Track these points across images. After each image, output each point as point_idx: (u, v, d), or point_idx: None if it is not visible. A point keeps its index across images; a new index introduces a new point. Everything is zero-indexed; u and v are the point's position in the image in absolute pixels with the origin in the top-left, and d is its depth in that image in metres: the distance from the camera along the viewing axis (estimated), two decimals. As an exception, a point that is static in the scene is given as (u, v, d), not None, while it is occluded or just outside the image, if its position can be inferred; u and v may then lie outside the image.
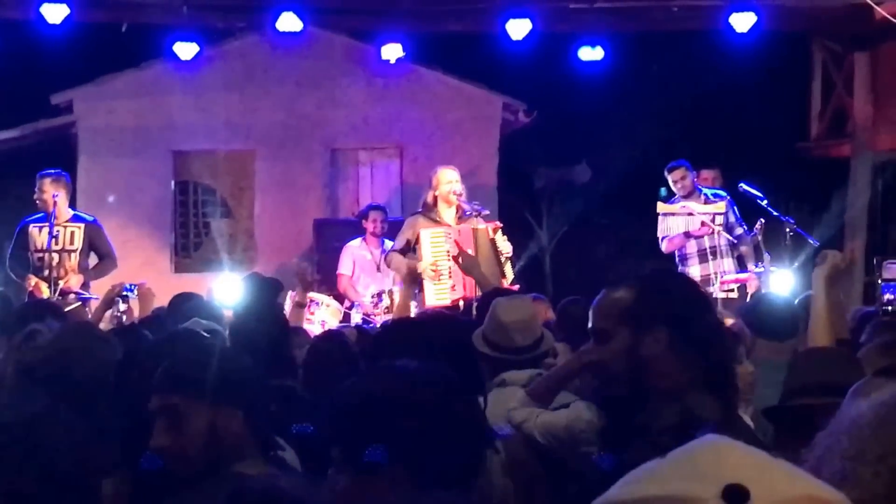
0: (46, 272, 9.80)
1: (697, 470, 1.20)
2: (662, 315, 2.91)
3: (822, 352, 4.14)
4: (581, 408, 3.74)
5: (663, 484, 1.19)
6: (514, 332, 4.65)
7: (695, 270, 10.53)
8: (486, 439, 2.60)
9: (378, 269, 11.15)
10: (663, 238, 10.73)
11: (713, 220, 10.57)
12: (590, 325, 3.03)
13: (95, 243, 10.11)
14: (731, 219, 10.67)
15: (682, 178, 10.67)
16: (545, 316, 7.07)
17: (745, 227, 10.58)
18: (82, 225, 10.05)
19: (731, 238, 10.59)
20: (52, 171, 10.13)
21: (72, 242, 9.97)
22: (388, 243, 11.03)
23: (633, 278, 3.04)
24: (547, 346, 4.76)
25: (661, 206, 10.73)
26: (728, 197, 10.76)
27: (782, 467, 1.23)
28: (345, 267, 11.41)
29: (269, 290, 5.91)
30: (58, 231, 9.90)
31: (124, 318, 7.87)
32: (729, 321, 6.75)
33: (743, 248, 10.63)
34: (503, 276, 9.05)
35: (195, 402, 2.88)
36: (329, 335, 6.17)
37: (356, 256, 11.41)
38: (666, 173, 10.82)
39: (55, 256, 9.85)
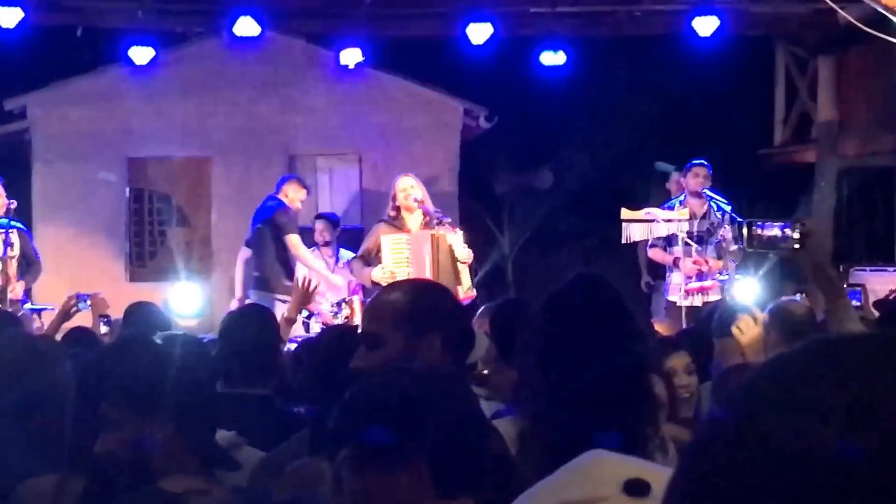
0: None
1: (590, 477, 1.27)
2: (436, 320, 2.89)
3: (743, 370, 3.95)
4: None
5: (558, 494, 1.25)
6: None
7: (677, 277, 10.38)
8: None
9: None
10: (651, 246, 10.53)
11: (686, 229, 10.38)
12: (361, 329, 2.96)
13: (25, 250, 10.02)
14: (729, 235, 10.42)
15: (705, 176, 10.49)
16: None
17: (741, 245, 10.38)
18: (14, 230, 9.93)
19: (721, 242, 10.41)
20: None
21: (12, 249, 9.82)
22: (344, 252, 11.12)
23: (406, 283, 3.12)
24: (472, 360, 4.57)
25: (624, 213, 10.60)
26: (729, 212, 10.50)
27: (655, 468, 1.34)
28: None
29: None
30: None
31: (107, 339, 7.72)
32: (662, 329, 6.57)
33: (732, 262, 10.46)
34: (459, 283, 9.02)
35: (125, 411, 2.81)
36: None
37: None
38: (688, 166, 10.62)
39: None
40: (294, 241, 10.53)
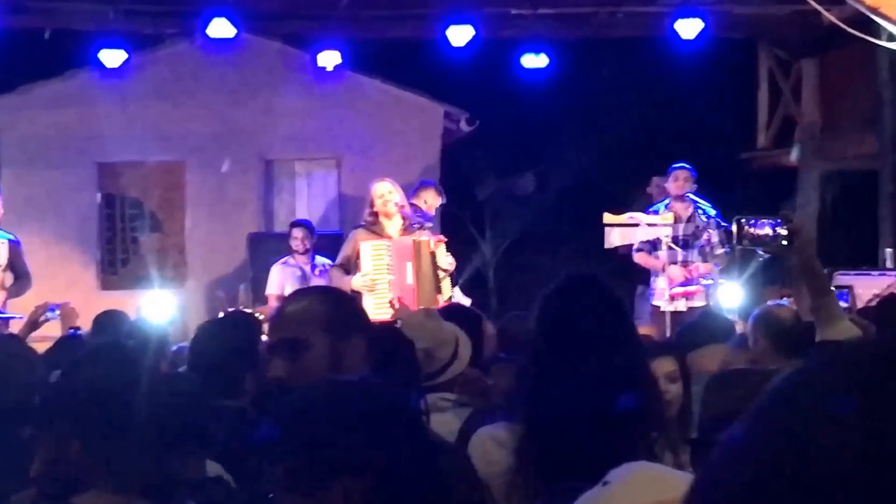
0: None
1: (661, 482, 1.31)
2: (359, 323, 2.90)
3: (739, 375, 3.82)
4: None
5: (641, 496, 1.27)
6: None
7: (661, 282, 10.29)
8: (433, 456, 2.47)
9: (308, 284, 10.90)
10: (637, 250, 10.44)
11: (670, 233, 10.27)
12: (276, 337, 2.86)
13: (15, 262, 9.89)
14: (715, 239, 10.36)
15: (686, 179, 10.39)
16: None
17: (727, 248, 10.34)
18: (6, 241, 9.84)
19: (705, 246, 10.32)
20: None
21: None
22: (319, 259, 11.05)
23: (315, 289, 3.18)
24: (451, 374, 4.45)
25: (607, 217, 10.49)
26: (714, 216, 10.42)
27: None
28: (272, 287, 11.24)
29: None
30: None
31: None
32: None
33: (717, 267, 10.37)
34: (439, 291, 8.95)
35: (40, 429, 2.83)
36: None
37: (284, 274, 11.19)
38: (670, 170, 10.51)
39: None
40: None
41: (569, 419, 2.90)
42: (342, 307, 2.92)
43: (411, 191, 10.93)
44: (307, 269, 11.02)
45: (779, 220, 3.90)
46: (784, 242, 3.85)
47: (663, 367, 4.71)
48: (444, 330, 4.67)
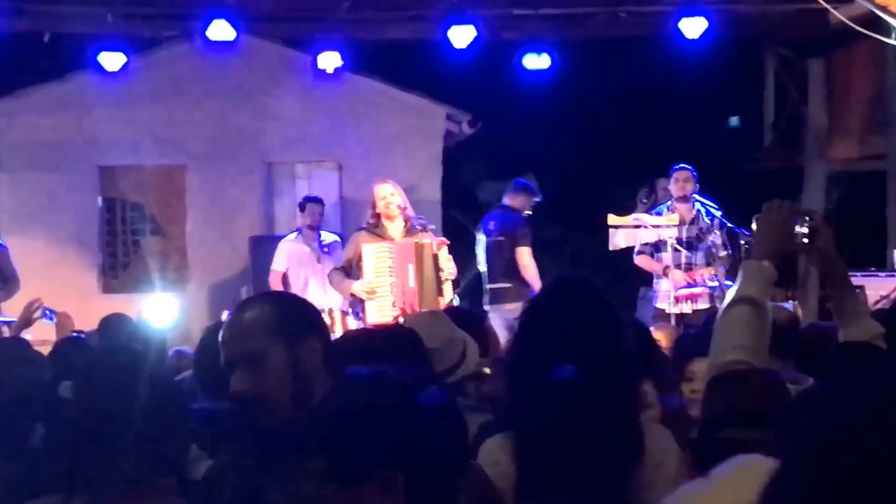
0: None
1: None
2: (310, 324, 2.87)
3: (740, 375, 3.72)
4: None
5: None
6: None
7: (665, 284, 10.22)
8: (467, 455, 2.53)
9: (318, 260, 11.04)
10: (639, 253, 10.39)
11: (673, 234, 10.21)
12: (233, 351, 2.80)
13: (4, 266, 9.87)
14: (719, 241, 10.33)
15: (686, 180, 10.33)
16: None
17: (730, 251, 10.28)
18: None
19: (711, 248, 10.27)
20: None
21: None
22: (325, 234, 11.23)
23: (262, 296, 3.06)
24: (459, 376, 4.36)
25: (611, 219, 10.43)
26: (719, 217, 10.38)
27: None
28: (278, 263, 11.27)
29: None
30: None
31: None
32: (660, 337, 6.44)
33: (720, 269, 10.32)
34: (441, 294, 8.89)
35: (51, 432, 2.91)
36: None
37: (291, 251, 11.21)
38: (671, 171, 10.49)
39: None
40: (527, 253, 10.52)
41: (553, 427, 2.87)
42: (292, 311, 2.89)
43: (504, 193, 10.97)
44: (314, 245, 11.09)
45: (798, 218, 3.80)
46: (805, 241, 3.75)
47: (702, 364, 4.63)
48: (452, 331, 4.58)
